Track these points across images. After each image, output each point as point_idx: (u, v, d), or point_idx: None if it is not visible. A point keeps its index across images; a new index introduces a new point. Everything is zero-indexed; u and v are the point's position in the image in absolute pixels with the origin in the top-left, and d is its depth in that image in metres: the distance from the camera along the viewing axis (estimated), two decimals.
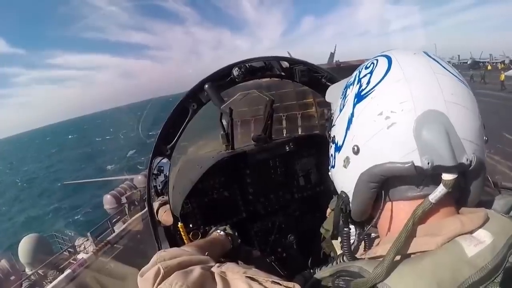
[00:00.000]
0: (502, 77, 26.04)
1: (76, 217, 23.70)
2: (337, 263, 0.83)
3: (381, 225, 0.63)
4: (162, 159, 1.31)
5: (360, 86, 0.59)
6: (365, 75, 0.59)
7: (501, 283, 0.47)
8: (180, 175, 1.57)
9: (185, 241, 1.34)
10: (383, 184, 0.56)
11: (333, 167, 0.67)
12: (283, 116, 11.74)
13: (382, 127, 0.53)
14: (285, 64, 1.41)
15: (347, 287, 0.53)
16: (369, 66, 0.60)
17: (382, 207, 0.60)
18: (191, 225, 1.41)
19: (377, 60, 0.60)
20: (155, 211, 1.34)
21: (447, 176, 0.50)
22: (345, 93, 0.64)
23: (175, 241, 1.31)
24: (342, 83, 0.72)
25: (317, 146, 1.68)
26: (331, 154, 0.68)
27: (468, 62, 53.16)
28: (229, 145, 1.66)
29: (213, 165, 1.48)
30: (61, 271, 8.28)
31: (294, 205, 1.69)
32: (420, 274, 0.47)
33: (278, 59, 1.40)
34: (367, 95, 0.56)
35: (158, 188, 1.35)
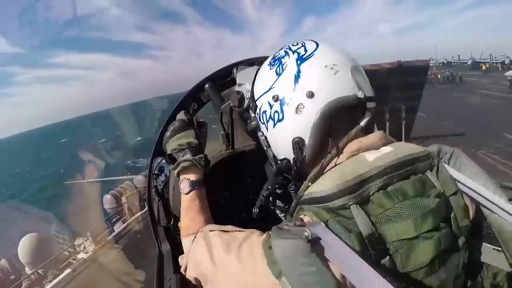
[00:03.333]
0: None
1: (76, 217, 23.67)
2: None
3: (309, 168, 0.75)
4: (162, 159, 1.31)
5: (299, 53, 0.74)
6: (298, 48, 0.76)
7: (411, 181, 0.61)
8: None
9: None
10: (332, 121, 0.70)
11: (280, 120, 0.74)
12: None
13: (330, 74, 0.70)
14: None
15: (293, 207, 0.70)
16: (298, 44, 0.78)
17: (330, 145, 0.71)
18: None
19: (302, 41, 0.79)
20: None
21: (371, 104, 0.73)
22: (280, 61, 0.76)
23: (175, 241, 1.31)
24: (252, 69, 0.94)
25: None
26: (275, 111, 0.75)
27: (468, 63, 53.17)
28: (229, 145, 1.66)
29: (213, 165, 1.47)
30: (61, 270, 8.28)
31: None
32: (329, 175, 0.63)
33: None
34: (310, 56, 0.73)
35: (159, 188, 1.35)
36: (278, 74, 0.75)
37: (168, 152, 1.03)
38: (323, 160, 0.66)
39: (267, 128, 0.79)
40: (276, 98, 0.74)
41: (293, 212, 0.69)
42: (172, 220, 1.32)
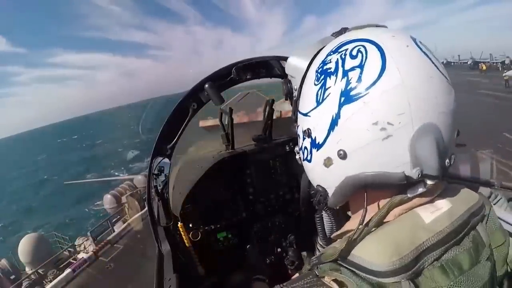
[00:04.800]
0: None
1: (75, 217, 23.69)
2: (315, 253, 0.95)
3: (352, 205, 0.66)
4: (162, 159, 1.31)
5: (348, 82, 0.51)
6: (353, 68, 0.52)
7: (467, 249, 0.52)
8: (180, 175, 1.57)
9: (185, 240, 1.34)
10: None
11: (308, 160, 0.63)
12: None
13: (376, 138, 0.50)
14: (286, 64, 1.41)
15: (318, 262, 0.57)
16: (356, 55, 0.53)
17: (357, 197, 0.59)
18: (191, 225, 1.41)
19: (365, 48, 0.53)
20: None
21: (430, 182, 0.52)
22: (324, 83, 0.55)
23: (175, 241, 1.31)
24: (307, 54, 0.66)
25: None
26: (304, 146, 0.62)
27: (468, 62, 53.18)
28: (229, 145, 1.66)
29: (213, 165, 1.48)
30: (61, 270, 8.29)
31: (294, 205, 1.69)
32: (380, 240, 0.51)
33: (279, 58, 1.40)
34: (359, 98, 0.50)
35: (159, 188, 1.35)
36: (318, 102, 0.56)
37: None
38: (364, 219, 0.54)
39: (301, 152, 0.67)
40: (308, 134, 0.60)
41: (320, 259, 0.57)
42: (172, 220, 1.33)
